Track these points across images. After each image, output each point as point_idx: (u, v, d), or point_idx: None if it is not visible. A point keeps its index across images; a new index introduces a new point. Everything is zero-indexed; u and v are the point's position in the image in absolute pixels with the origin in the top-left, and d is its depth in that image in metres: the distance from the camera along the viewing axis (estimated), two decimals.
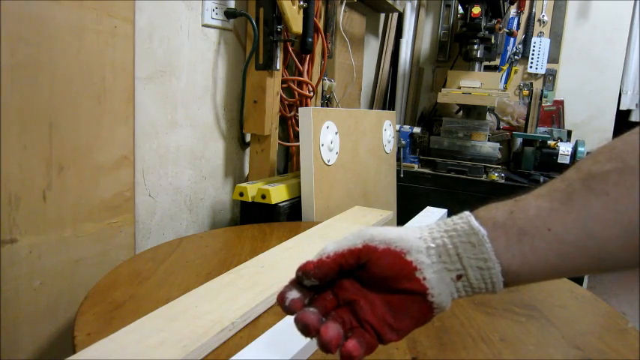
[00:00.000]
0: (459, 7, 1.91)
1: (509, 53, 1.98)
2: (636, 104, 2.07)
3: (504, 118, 1.95)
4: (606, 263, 0.33)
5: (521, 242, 0.33)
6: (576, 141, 1.71)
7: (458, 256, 0.34)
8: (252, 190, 1.06)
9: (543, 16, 1.94)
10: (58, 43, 0.72)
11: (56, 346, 0.78)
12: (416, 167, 1.72)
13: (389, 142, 1.48)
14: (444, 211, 1.05)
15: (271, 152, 1.22)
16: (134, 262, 0.73)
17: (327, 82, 1.52)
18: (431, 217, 1.01)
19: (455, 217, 0.36)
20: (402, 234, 0.36)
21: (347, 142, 1.20)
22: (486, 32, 1.66)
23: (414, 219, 0.98)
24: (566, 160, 1.64)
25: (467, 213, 0.35)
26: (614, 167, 0.32)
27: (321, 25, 1.39)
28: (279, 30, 1.14)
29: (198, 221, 1.18)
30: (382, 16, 2.13)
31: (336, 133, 1.14)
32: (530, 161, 1.69)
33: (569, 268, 0.34)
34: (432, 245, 0.35)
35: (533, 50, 1.95)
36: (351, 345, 0.33)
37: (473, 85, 1.74)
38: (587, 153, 1.62)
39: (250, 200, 1.05)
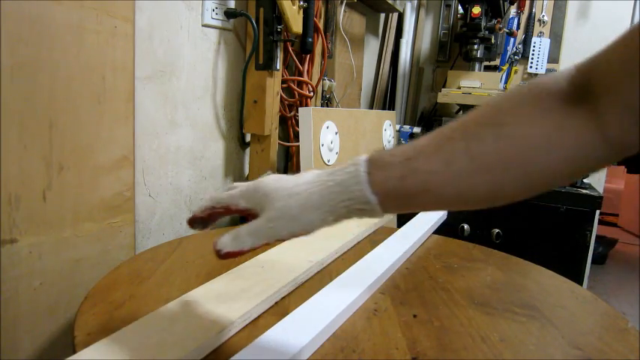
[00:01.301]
0: (459, 7, 1.91)
1: (509, 53, 1.98)
2: None
3: None
4: (467, 207, 0.40)
5: (406, 201, 0.39)
6: None
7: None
8: None
9: (543, 16, 1.94)
10: (58, 43, 0.72)
11: (56, 346, 0.78)
12: None
13: (389, 142, 1.48)
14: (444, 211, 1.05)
15: (271, 152, 1.22)
16: (134, 262, 0.73)
17: (327, 82, 1.52)
18: (430, 217, 1.01)
19: (351, 179, 0.39)
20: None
21: (347, 142, 1.20)
22: (486, 32, 1.66)
23: (413, 219, 0.99)
24: None
25: (363, 176, 0.39)
26: (491, 132, 0.37)
27: (321, 25, 1.39)
28: (279, 30, 1.14)
29: None
30: (382, 16, 2.13)
31: (336, 133, 1.14)
32: None
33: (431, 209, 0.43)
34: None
35: (533, 50, 1.95)
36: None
37: (473, 85, 1.74)
38: None
39: None
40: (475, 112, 0.39)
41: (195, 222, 0.47)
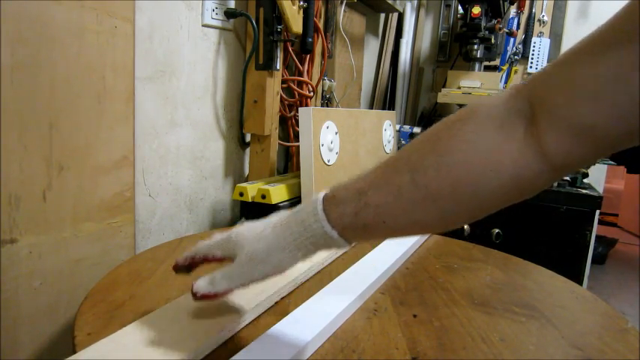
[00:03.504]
0: (459, 7, 1.91)
1: (509, 53, 1.98)
2: None
3: None
4: (425, 232, 0.44)
5: (365, 233, 0.41)
6: None
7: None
8: (252, 190, 1.06)
9: (543, 16, 1.94)
10: (58, 43, 0.72)
11: (56, 346, 0.78)
12: None
13: (389, 142, 1.48)
14: None
15: (271, 152, 1.22)
16: (134, 262, 0.73)
17: (327, 82, 1.52)
18: None
19: (310, 217, 0.42)
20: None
21: (347, 142, 1.20)
22: (486, 32, 1.66)
23: None
24: None
25: (321, 214, 0.41)
26: (432, 162, 0.38)
27: (321, 25, 1.39)
28: (279, 30, 1.14)
29: (198, 221, 1.18)
30: (382, 16, 2.13)
31: (336, 133, 1.14)
32: None
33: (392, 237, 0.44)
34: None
35: (533, 50, 1.95)
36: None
37: (473, 85, 1.74)
38: None
39: (250, 200, 1.05)
40: (417, 140, 0.41)
41: (178, 269, 0.51)
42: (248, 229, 0.46)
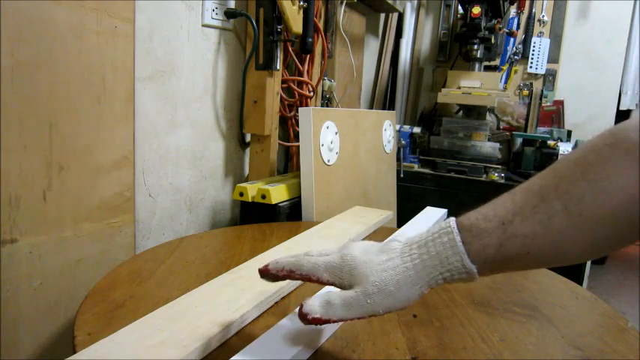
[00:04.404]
0: (459, 7, 1.91)
1: (509, 53, 1.98)
2: (636, 104, 2.07)
3: (504, 118, 1.95)
4: (568, 262, 0.40)
5: (505, 265, 0.39)
6: (576, 141, 1.71)
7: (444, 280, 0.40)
8: (252, 190, 1.06)
9: (543, 16, 1.94)
10: (58, 43, 0.72)
11: (56, 346, 0.78)
12: (416, 167, 1.73)
13: (389, 142, 1.48)
14: (444, 211, 1.05)
15: (271, 152, 1.22)
16: (134, 262, 0.73)
17: (327, 82, 1.52)
18: (430, 217, 1.01)
19: (447, 250, 0.39)
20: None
21: (347, 142, 1.20)
22: (486, 32, 1.66)
23: (413, 219, 0.99)
24: None
25: (460, 247, 0.39)
26: (587, 188, 0.36)
27: (321, 25, 1.39)
28: (279, 30, 1.14)
29: (198, 221, 1.18)
30: (382, 16, 2.13)
31: (336, 133, 1.14)
32: (530, 161, 1.69)
33: (529, 269, 0.41)
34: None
35: (533, 50, 1.95)
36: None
37: (473, 85, 1.74)
38: None
39: (250, 200, 1.05)
40: (560, 167, 0.39)
41: (267, 275, 0.45)
42: (364, 252, 0.42)
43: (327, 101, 1.56)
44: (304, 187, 1.06)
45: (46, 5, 0.69)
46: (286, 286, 0.63)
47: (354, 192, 1.24)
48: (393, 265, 0.40)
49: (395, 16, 2.08)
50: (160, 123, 1.01)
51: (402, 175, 1.67)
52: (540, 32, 1.95)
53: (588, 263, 1.55)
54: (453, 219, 0.41)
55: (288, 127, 1.40)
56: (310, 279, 0.43)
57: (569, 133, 1.88)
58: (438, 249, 0.39)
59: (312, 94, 1.37)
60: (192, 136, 1.11)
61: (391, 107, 2.13)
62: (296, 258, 0.44)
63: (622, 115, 2.01)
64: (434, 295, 0.66)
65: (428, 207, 1.07)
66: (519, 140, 1.80)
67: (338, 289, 0.42)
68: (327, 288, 0.46)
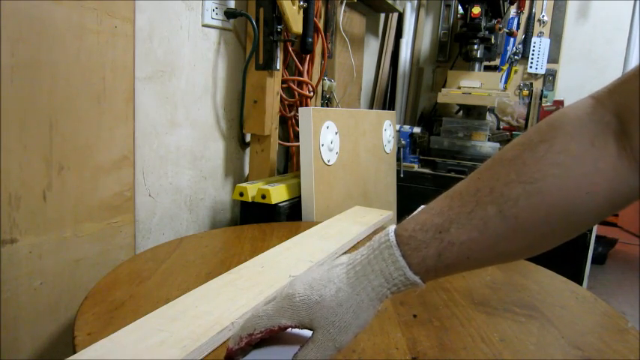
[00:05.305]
0: (459, 7, 1.92)
1: (509, 53, 1.98)
2: None
3: (504, 118, 1.95)
4: (509, 260, 0.41)
5: (447, 271, 0.40)
6: None
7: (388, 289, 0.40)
8: (252, 190, 1.06)
9: (543, 16, 1.94)
10: (58, 43, 0.72)
11: (56, 346, 0.78)
12: (416, 167, 1.73)
13: (389, 142, 1.48)
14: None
15: (271, 152, 1.22)
16: (134, 262, 0.73)
17: (327, 82, 1.52)
18: None
19: (389, 266, 0.39)
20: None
21: (347, 142, 1.20)
22: (486, 32, 1.66)
23: None
24: None
25: (401, 261, 0.39)
26: (522, 191, 0.36)
27: (321, 25, 1.39)
28: (279, 30, 1.14)
29: (198, 221, 1.18)
30: (382, 16, 2.13)
31: (336, 133, 1.14)
32: None
33: (472, 269, 0.41)
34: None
35: (533, 50, 1.95)
36: None
37: (473, 85, 1.74)
38: None
39: (250, 200, 1.05)
40: (496, 166, 0.38)
41: (234, 354, 0.44)
42: (312, 288, 0.41)
43: (327, 101, 1.56)
44: (304, 187, 1.06)
45: (46, 5, 0.69)
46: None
47: (354, 192, 1.24)
48: (345, 296, 0.40)
49: (395, 16, 2.08)
50: (160, 123, 1.01)
51: (402, 175, 1.67)
52: (540, 32, 1.95)
53: (588, 263, 1.55)
54: (392, 230, 0.40)
55: (288, 127, 1.40)
56: (273, 330, 0.42)
57: None
58: (381, 266, 0.39)
59: (312, 94, 1.37)
60: (193, 136, 1.11)
61: (391, 107, 2.13)
62: (247, 321, 0.43)
63: None
64: (434, 295, 0.66)
65: (422, 206, 1.07)
66: None
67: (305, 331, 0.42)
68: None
